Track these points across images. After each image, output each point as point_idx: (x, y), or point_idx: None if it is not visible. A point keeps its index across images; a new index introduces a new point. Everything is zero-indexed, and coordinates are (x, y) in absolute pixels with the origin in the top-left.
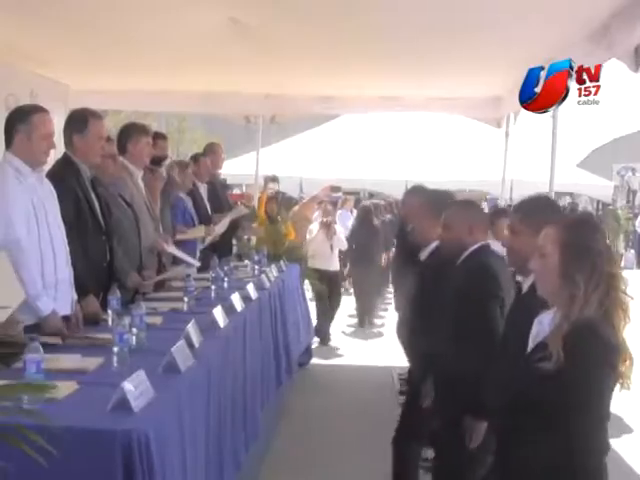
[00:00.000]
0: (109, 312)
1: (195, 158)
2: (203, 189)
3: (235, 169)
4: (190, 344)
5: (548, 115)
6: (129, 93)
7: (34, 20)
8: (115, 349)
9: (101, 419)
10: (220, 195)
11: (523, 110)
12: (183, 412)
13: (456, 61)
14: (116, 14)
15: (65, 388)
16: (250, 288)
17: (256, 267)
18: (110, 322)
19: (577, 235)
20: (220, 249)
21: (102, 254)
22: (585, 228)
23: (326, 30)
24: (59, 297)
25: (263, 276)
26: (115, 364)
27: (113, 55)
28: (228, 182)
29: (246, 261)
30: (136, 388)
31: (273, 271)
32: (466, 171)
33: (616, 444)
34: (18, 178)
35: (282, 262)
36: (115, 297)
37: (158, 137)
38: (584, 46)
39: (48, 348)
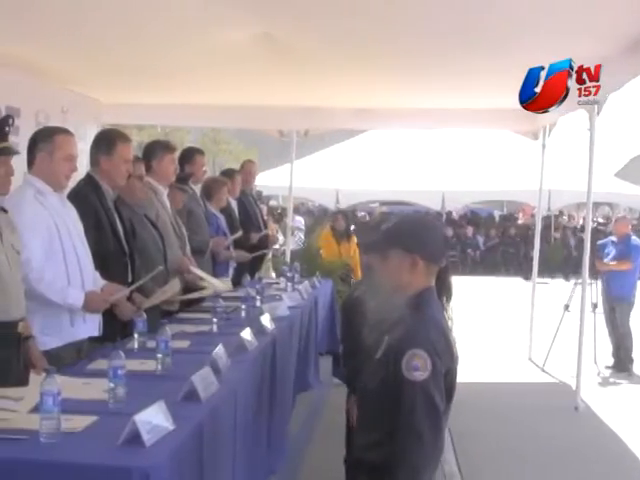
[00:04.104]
0: (135, 335)
1: (229, 175)
2: (234, 204)
3: (270, 180)
4: (216, 369)
5: (585, 125)
6: (162, 107)
7: (66, 39)
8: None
9: (109, 454)
10: (249, 210)
11: (560, 121)
12: (203, 443)
13: (492, 74)
14: (149, 32)
15: (83, 420)
16: (282, 307)
17: (289, 284)
18: (136, 345)
19: None
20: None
21: (124, 276)
22: None
23: (360, 45)
24: (87, 317)
25: (296, 294)
26: (111, 397)
27: (146, 72)
28: (264, 194)
29: (280, 278)
30: (151, 420)
31: (306, 288)
32: (503, 181)
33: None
34: (38, 199)
35: (316, 278)
36: (141, 319)
37: (196, 153)
38: (617, 58)
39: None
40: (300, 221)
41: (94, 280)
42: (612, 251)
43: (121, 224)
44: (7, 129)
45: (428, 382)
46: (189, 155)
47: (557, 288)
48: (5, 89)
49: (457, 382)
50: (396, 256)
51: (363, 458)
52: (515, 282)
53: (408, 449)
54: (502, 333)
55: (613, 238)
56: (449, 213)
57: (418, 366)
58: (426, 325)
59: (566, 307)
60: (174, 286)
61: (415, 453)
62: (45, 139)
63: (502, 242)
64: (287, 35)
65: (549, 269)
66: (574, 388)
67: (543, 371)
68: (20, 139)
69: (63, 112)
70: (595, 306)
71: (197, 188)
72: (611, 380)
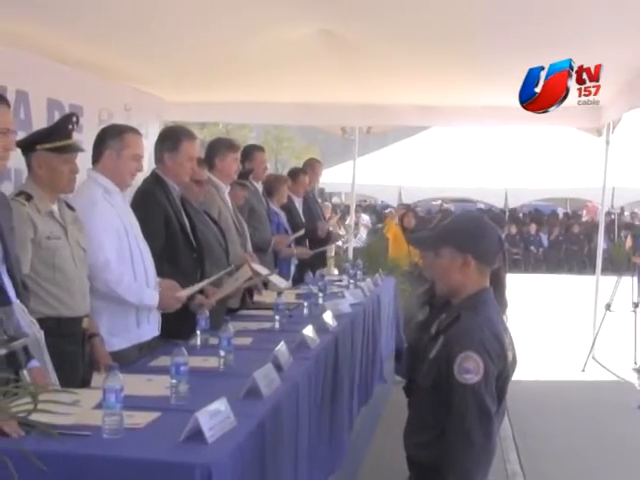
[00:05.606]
0: (197, 332)
1: (294, 174)
2: (298, 203)
3: (333, 178)
4: (278, 366)
5: None
6: (224, 105)
7: (131, 40)
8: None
9: (171, 451)
10: (312, 208)
11: (624, 118)
12: (266, 439)
13: None
14: (212, 31)
15: (146, 416)
16: (344, 304)
17: (351, 281)
18: (198, 342)
19: None
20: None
21: (193, 273)
22: None
23: (421, 42)
24: (151, 318)
25: (358, 291)
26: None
27: (209, 70)
28: (326, 191)
29: (342, 275)
30: (213, 417)
31: (369, 285)
32: (566, 179)
33: None
34: (107, 198)
35: (378, 275)
36: (204, 317)
37: (256, 149)
38: None
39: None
40: (367, 219)
41: (156, 279)
42: None
43: (188, 221)
44: (70, 127)
45: (480, 385)
46: (249, 152)
47: (622, 285)
48: (68, 87)
49: (520, 380)
50: (448, 254)
51: (412, 456)
52: (579, 279)
53: (459, 452)
54: (565, 331)
55: None
56: (513, 210)
57: (470, 369)
58: (481, 327)
59: (607, 307)
60: (244, 274)
61: (466, 456)
62: (114, 136)
63: (566, 239)
64: (349, 32)
65: (613, 266)
66: (637, 387)
67: (605, 369)
68: (83, 137)
69: (126, 110)
70: (636, 305)
71: (259, 187)
72: None
